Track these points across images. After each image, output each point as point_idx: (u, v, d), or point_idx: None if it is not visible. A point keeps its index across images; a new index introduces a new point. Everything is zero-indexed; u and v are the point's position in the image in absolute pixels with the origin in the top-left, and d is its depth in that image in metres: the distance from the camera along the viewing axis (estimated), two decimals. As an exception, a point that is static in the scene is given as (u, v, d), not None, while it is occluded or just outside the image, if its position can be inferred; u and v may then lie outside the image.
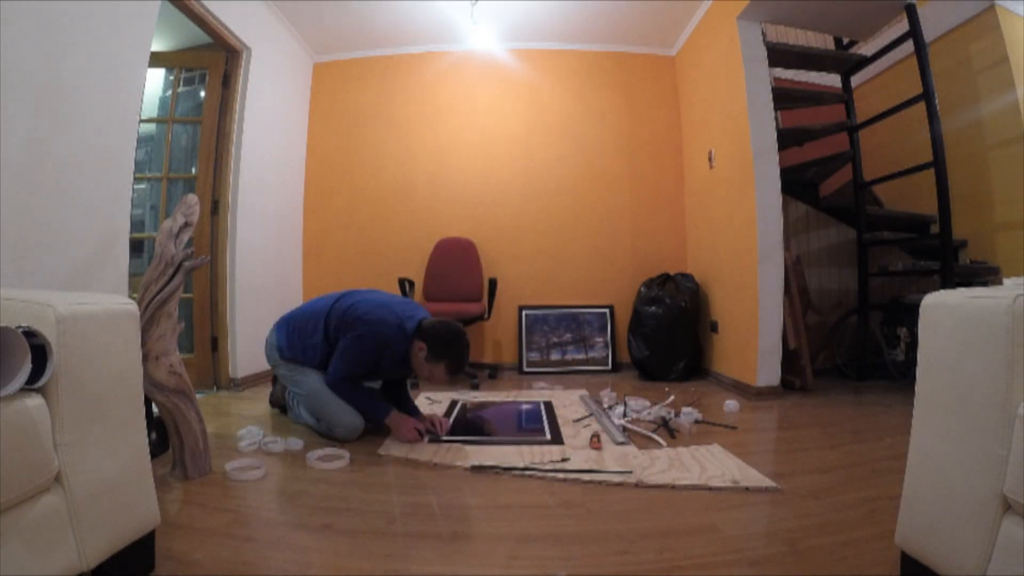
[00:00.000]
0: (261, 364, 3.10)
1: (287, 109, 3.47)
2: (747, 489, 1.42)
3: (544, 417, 2.20)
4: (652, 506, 1.34)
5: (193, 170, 2.92)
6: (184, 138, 3.39)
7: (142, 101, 2.04)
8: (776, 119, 2.73)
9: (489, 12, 3.29)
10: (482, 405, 2.47)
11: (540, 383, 3.08)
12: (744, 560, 1.07)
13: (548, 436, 1.92)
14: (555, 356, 3.52)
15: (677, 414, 2.12)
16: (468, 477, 1.56)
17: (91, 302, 0.92)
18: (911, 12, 2.52)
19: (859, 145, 3.11)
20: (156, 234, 1.55)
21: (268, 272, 3.22)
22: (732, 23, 2.74)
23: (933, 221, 2.86)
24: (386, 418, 1.91)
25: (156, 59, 2.33)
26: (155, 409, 1.59)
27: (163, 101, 3.46)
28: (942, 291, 0.90)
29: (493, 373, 3.32)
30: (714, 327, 3.10)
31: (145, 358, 1.39)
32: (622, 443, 1.80)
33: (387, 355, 1.90)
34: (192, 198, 1.61)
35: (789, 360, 2.66)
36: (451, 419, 2.15)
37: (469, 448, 1.81)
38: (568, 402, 2.51)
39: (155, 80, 3.36)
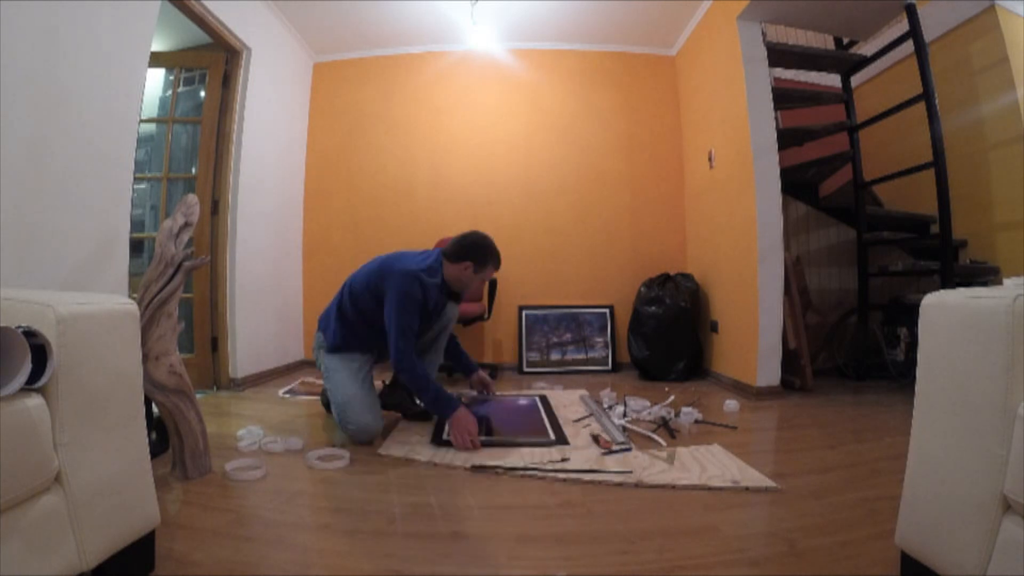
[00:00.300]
0: (261, 364, 3.11)
1: (287, 109, 3.47)
2: (747, 489, 1.42)
3: (545, 418, 2.19)
4: (652, 506, 1.34)
5: (193, 170, 2.92)
6: (184, 138, 3.39)
7: (142, 101, 2.04)
8: (776, 119, 2.73)
9: (489, 12, 3.29)
10: (481, 400, 2.47)
11: (540, 383, 3.08)
12: (744, 560, 1.07)
13: (552, 437, 1.91)
14: (555, 356, 3.52)
15: (677, 414, 2.12)
16: (468, 477, 1.56)
17: (91, 302, 0.92)
18: (911, 12, 2.52)
19: (859, 145, 3.11)
20: (156, 234, 1.55)
21: (268, 272, 3.22)
22: (732, 23, 2.74)
23: (933, 221, 2.86)
24: (453, 413, 1.81)
25: (156, 59, 2.33)
26: (155, 409, 1.59)
27: (163, 101, 3.46)
28: (942, 291, 0.90)
29: (493, 373, 3.31)
30: (714, 327, 3.10)
31: (145, 358, 1.39)
32: (622, 443, 1.79)
33: (429, 296, 1.92)
34: (192, 198, 1.61)
35: (789, 360, 2.66)
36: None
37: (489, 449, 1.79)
38: (568, 402, 2.50)
39: (155, 80, 3.36)
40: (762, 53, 2.70)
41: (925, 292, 0.95)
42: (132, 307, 1.00)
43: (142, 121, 2.05)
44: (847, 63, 3.09)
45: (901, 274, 3.01)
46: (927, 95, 2.50)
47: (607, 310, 3.60)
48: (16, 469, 0.73)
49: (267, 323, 3.21)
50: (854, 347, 3.10)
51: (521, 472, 1.57)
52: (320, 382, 3.05)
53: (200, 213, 1.64)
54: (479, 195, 3.71)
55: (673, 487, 1.44)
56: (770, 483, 1.44)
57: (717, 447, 1.77)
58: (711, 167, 3.18)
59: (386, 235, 3.71)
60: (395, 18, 3.39)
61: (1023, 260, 2.58)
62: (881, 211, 3.19)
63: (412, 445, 1.83)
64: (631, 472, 1.53)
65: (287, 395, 2.73)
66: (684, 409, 2.14)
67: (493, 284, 3.20)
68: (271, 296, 3.25)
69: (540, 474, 1.55)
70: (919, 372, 0.92)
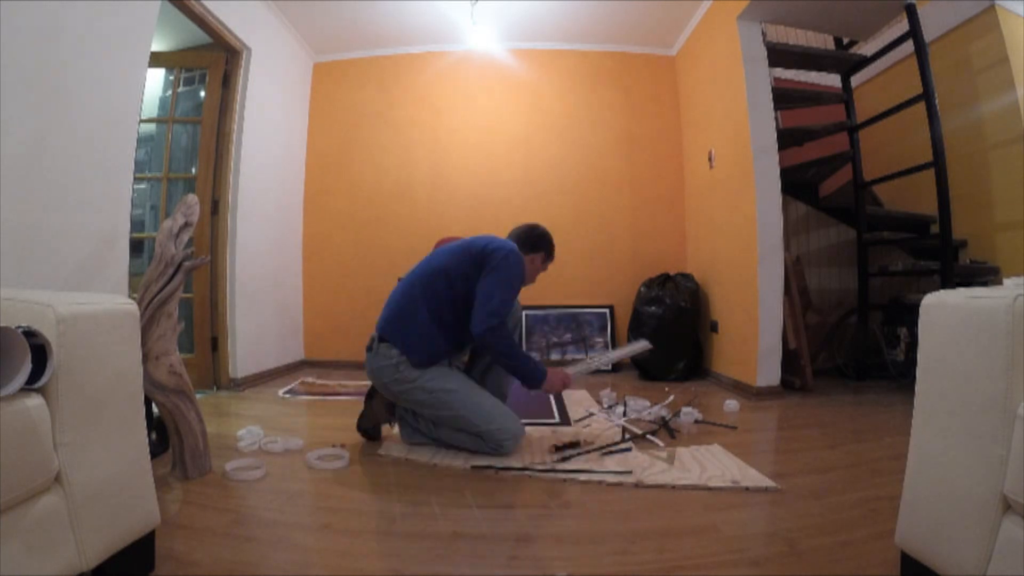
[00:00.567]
0: (261, 364, 3.11)
1: (287, 109, 3.47)
2: (747, 489, 1.42)
3: (552, 401, 2.19)
4: (652, 506, 1.34)
5: (193, 170, 2.92)
6: (184, 138, 3.39)
7: (142, 101, 2.04)
8: (776, 119, 2.73)
9: (489, 12, 3.29)
10: None
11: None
12: (744, 560, 1.07)
13: (556, 419, 1.91)
14: (555, 356, 3.52)
15: (676, 414, 2.12)
16: (468, 477, 1.56)
17: (91, 302, 0.92)
18: (911, 12, 2.52)
19: (859, 145, 3.10)
20: (156, 234, 1.55)
21: (268, 272, 3.22)
22: (732, 23, 2.74)
23: (933, 221, 2.86)
24: (546, 378, 1.76)
25: (156, 59, 2.33)
26: (155, 409, 1.59)
27: (163, 101, 3.46)
28: (942, 291, 0.90)
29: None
30: (714, 327, 3.10)
31: (145, 358, 1.39)
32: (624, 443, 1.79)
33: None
34: (192, 198, 1.61)
35: (789, 360, 2.66)
36: None
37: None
38: (567, 402, 2.50)
39: (155, 80, 3.36)
40: (762, 53, 2.70)
41: (925, 292, 0.95)
42: (132, 307, 1.00)
43: (142, 121, 2.05)
44: (847, 63, 3.09)
45: (901, 274, 3.01)
46: (927, 95, 2.50)
47: (607, 310, 3.60)
48: (16, 469, 0.73)
49: (267, 323, 3.21)
50: (854, 347, 3.10)
51: (520, 472, 1.57)
52: (321, 382, 3.06)
53: (200, 213, 1.64)
54: (479, 195, 3.71)
55: (673, 487, 1.44)
56: (770, 483, 1.44)
57: (717, 447, 1.77)
58: (711, 167, 3.18)
59: (386, 235, 3.72)
60: (395, 18, 3.39)
61: (1023, 260, 2.58)
62: (881, 211, 3.19)
63: (412, 445, 1.83)
64: (631, 472, 1.53)
65: (287, 395, 2.73)
66: (684, 409, 2.14)
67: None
68: (271, 296, 3.25)
69: (539, 474, 1.55)
70: (919, 372, 0.92)
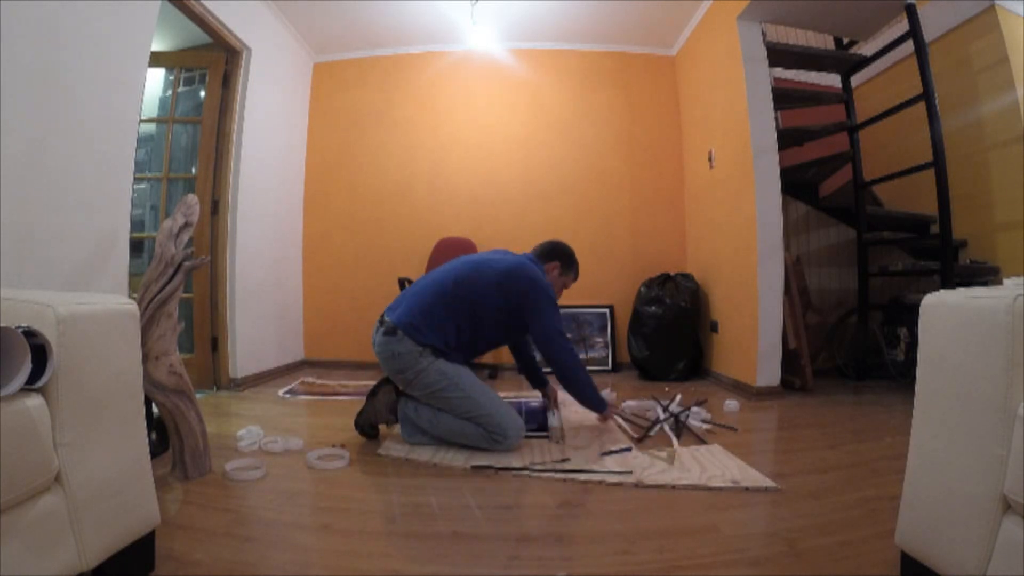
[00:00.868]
0: (261, 364, 3.11)
1: (287, 109, 3.47)
2: (747, 489, 1.42)
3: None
4: (652, 506, 1.34)
5: (193, 170, 2.92)
6: (184, 138, 3.39)
7: (142, 101, 2.04)
8: (776, 119, 2.73)
9: (489, 12, 3.29)
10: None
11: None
12: (744, 560, 1.07)
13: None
14: (555, 356, 3.51)
15: (686, 412, 2.12)
16: (468, 477, 1.56)
17: (91, 302, 0.92)
18: (911, 12, 2.52)
19: (859, 145, 3.11)
20: (156, 234, 1.55)
21: (268, 272, 3.22)
22: (732, 23, 2.74)
23: (933, 221, 2.85)
24: (607, 407, 2.00)
25: (156, 59, 2.33)
26: (155, 409, 1.59)
27: (163, 101, 3.45)
28: (942, 291, 0.90)
29: (493, 373, 3.32)
30: (714, 327, 3.10)
31: (145, 358, 1.39)
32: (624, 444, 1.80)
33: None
34: (192, 198, 1.61)
35: (789, 360, 2.66)
36: None
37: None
38: (568, 401, 2.50)
39: (155, 80, 3.36)
40: (762, 53, 2.70)
41: (925, 292, 0.95)
42: (132, 307, 1.00)
43: (142, 121, 2.05)
44: (847, 63, 3.09)
45: (901, 274, 3.01)
46: (927, 95, 2.50)
47: (607, 310, 3.60)
48: (16, 469, 0.73)
49: (267, 323, 3.21)
50: (854, 347, 3.10)
51: (520, 472, 1.57)
52: (321, 382, 3.06)
53: (200, 213, 1.64)
54: (479, 195, 3.71)
55: (673, 487, 1.44)
56: (770, 483, 1.44)
57: (717, 447, 1.77)
58: (711, 167, 3.18)
59: (386, 235, 3.72)
60: (395, 18, 3.39)
61: (1023, 260, 2.58)
62: (881, 211, 3.19)
63: (413, 445, 1.83)
64: (631, 472, 1.53)
65: (287, 395, 2.73)
66: (693, 409, 2.14)
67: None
68: (271, 296, 3.25)
69: (539, 474, 1.55)
70: (919, 372, 0.92)
